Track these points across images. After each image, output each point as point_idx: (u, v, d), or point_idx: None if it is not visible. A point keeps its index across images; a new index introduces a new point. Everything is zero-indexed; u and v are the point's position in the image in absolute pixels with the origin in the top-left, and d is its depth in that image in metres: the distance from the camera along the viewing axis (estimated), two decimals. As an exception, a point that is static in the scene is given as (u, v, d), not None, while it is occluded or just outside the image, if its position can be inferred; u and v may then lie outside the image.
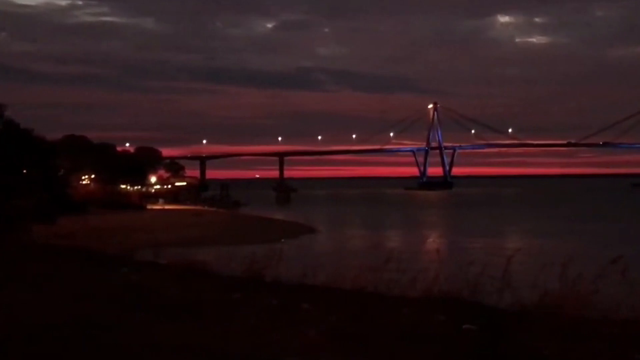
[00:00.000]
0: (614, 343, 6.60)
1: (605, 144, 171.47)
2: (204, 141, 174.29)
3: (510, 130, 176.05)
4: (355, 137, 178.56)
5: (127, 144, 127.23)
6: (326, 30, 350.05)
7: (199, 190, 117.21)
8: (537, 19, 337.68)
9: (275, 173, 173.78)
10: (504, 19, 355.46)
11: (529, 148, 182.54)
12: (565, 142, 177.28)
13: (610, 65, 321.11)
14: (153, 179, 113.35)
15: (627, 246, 33.17)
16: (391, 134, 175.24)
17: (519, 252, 9.91)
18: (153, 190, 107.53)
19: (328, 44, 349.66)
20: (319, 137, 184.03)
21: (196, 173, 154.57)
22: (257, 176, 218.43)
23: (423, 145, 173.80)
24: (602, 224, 55.83)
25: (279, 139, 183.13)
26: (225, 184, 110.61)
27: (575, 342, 6.57)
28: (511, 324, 7.03)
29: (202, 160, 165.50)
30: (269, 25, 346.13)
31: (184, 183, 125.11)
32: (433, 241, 44.00)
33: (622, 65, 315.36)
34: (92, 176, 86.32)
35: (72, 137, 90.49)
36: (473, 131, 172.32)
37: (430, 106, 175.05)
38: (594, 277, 8.35)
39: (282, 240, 41.23)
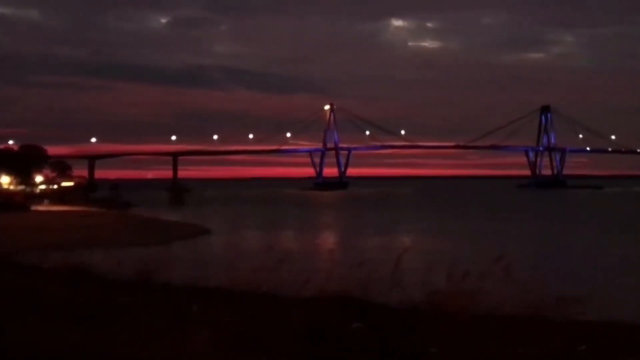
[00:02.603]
0: (498, 339, 6.84)
1: (492, 147, 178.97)
2: (93, 139, 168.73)
3: (403, 132, 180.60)
4: (252, 137, 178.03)
5: (11, 142, 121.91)
6: (223, 28, 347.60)
7: (87, 190, 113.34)
8: (429, 24, 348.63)
9: (169, 173, 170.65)
10: (397, 23, 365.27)
11: (421, 150, 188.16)
12: (454, 144, 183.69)
13: (497, 70, 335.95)
14: (39, 179, 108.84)
15: (511, 245, 34.76)
16: (288, 135, 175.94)
17: (409, 251, 10.13)
18: (38, 191, 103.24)
19: (224, 42, 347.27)
20: (215, 137, 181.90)
21: (85, 173, 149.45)
22: (150, 176, 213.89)
23: (319, 146, 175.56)
24: (488, 224, 58.17)
25: (173, 138, 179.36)
26: (115, 184, 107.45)
27: (461, 339, 6.77)
28: (400, 322, 7.16)
29: (91, 160, 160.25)
30: (164, 21, 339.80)
31: (72, 183, 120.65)
32: (327, 241, 44.47)
33: (509, 70, 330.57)
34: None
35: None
36: (368, 132, 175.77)
37: (327, 107, 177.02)
38: (479, 275, 8.65)
39: (175, 242, 40.52)
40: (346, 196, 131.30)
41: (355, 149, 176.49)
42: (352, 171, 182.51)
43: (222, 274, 10.52)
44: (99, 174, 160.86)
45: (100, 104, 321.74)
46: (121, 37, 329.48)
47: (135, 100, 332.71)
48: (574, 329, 7.50)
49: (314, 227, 57.06)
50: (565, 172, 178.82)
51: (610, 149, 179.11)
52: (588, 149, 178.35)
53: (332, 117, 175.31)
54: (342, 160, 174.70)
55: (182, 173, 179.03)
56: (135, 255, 11.80)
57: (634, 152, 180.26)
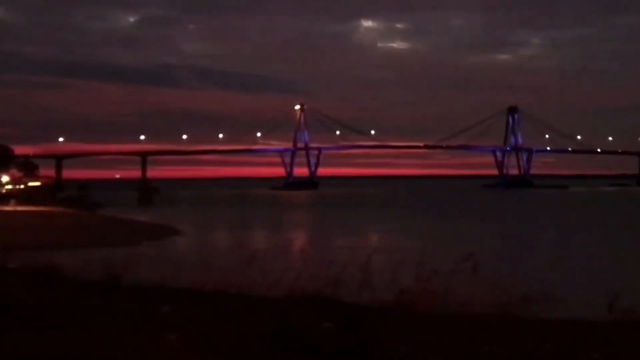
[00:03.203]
0: (466, 337, 6.93)
1: (460, 147, 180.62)
2: (61, 139, 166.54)
3: (372, 132, 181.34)
4: (222, 137, 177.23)
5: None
6: (191, 26, 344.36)
7: (54, 190, 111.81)
8: (398, 25, 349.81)
9: (137, 173, 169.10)
10: (367, 23, 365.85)
11: (390, 149, 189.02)
12: (423, 144, 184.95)
13: (465, 71, 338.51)
14: (5, 179, 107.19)
15: (479, 244, 35.10)
16: (258, 134, 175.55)
17: (379, 251, 10.20)
18: (4, 191, 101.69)
19: (193, 40, 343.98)
20: (184, 136, 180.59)
21: (52, 173, 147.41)
22: (118, 176, 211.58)
23: (290, 145, 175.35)
24: (456, 223, 58.68)
25: (142, 137, 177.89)
26: (83, 184, 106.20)
27: (430, 337, 6.84)
28: (370, 322, 7.21)
29: (58, 159, 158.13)
30: (132, 20, 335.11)
31: (39, 183, 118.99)
32: (297, 241, 44.48)
33: (477, 71, 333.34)
34: None
35: None
36: (338, 132, 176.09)
37: (297, 107, 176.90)
38: (447, 274, 8.75)
39: (144, 242, 40.19)
40: (316, 196, 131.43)
41: (325, 148, 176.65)
42: (322, 171, 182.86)
43: (192, 275, 10.49)
44: (67, 174, 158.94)
45: (68, 103, 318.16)
46: (89, 35, 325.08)
47: (104, 99, 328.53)
48: (540, 327, 7.63)
49: (284, 227, 57.03)
50: (532, 171, 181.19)
51: (574, 149, 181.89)
52: (548, 148, 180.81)
53: (302, 116, 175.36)
54: (313, 160, 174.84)
55: (151, 173, 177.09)
56: (103, 256, 11.68)
57: (599, 152, 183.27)
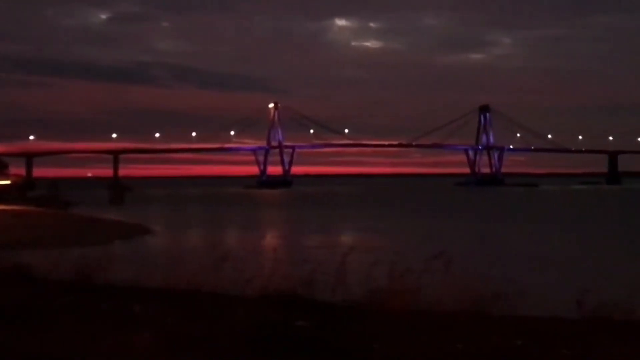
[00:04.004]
0: (438, 335, 6.99)
1: (433, 145, 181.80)
2: (31, 137, 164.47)
3: (346, 130, 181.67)
4: (195, 135, 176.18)
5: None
6: (165, 24, 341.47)
7: (24, 189, 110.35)
8: (371, 24, 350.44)
9: (109, 172, 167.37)
10: (341, 22, 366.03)
11: (364, 148, 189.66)
12: (397, 143, 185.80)
13: (438, 70, 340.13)
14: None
15: (451, 241, 35.36)
16: (232, 133, 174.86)
17: (353, 250, 10.22)
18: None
19: (167, 38, 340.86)
20: (157, 135, 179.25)
21: (22, 171, 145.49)
22: (90, 175, 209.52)
23: (263, 144, 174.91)
24: (429, 221, 59.01)
25: (114, 136, 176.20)
26: (54, 183, 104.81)
27: (403, 335, 6.88)
28: (343, 320, 7.23)
29: (29, 158, 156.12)
30: (104, 17, 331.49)
31: (8, 182, 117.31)
32: (270, 240, 44.41)
33: (450, 71, 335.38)
34: None
35: None
36: (312, 131, 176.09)
37: (271, 105, 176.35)
38: (420, 272, 8.81)
39: (115, 241, 39.81)
40: (290, 194, 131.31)
41: (299, 147, 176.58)
42: (296, 169, 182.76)
43: (164, 274, 10.42)
44: (37, 172, 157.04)
45: (39, 100, 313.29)
46: (60, 32, 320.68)
47: (75, 97, 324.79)
48: (512, 324, 7.71)
49: (258, 225, 56.88)
50: (503, 170, 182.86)
51: (545, 148, 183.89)
52: (511, 146, 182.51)
53: (276, 115, 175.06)
54: (287, 159, 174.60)
55: (124, 171, 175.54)
56: (74, 255, 11.56)
57: (569, 150, 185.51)
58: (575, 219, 60.93)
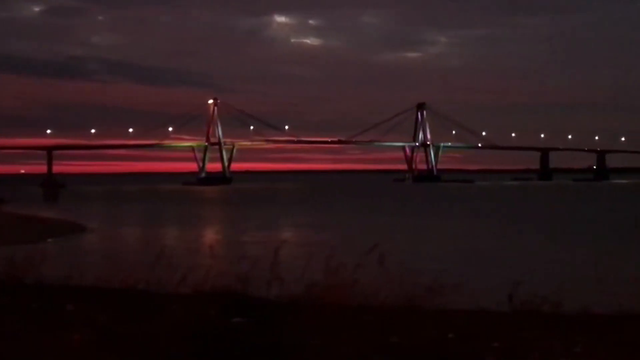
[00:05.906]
0: (373, 328, 7.09)
1: (371, 142, 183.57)
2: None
3: (287, 127, 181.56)
4: (132, 131, 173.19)
5: None
6: (100, 18, 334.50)
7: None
8: (311, 21, 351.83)
9: (43, 168, 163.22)
10: (280, 19, 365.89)
11: (304, 144, 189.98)
12: (336, 139, 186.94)
13: (376, 68, 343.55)
14: None
15: (386, 236, 35.77)
16: (170, 129, 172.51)
17: (289, 245, 10.27)
18: None
19: (103, 32, 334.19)
20: (93, 131, 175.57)
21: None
22: (23, 171, 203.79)
23: (202, 140, 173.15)
24: (366, 216, 59.59)
25: (48, 131, 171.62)
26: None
27: (339, 329, 6.95)
28: (280, 316, 7.26)
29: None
30: (37, 10, 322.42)
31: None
32: (207, 237, 44.09)
33: (388, 69, 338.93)
34: None
35: None
36: (252, 127, 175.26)
37: (211, 101, 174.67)
38: (355, 266, 8.90)
39: (48, 240, 38.86)
40: (230, 191, 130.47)
41: (239, 143, 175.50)
42: (236, 166, 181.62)
43: (99, 272, 10.24)
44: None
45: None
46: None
47: (7, 91, 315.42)
48: (445, 317, 7.87)
49: (195, 222, 56.35)
50: (439, 166, 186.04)
51: (479, 145, 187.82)
52: (450, 144, 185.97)
53: (215, 111, 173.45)
54: (226, 155, 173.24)
55: (58, 168, 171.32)
56: (4, 254, 11.25)
57: (503, 147, 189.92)
58: (509, 213, 62.51)
